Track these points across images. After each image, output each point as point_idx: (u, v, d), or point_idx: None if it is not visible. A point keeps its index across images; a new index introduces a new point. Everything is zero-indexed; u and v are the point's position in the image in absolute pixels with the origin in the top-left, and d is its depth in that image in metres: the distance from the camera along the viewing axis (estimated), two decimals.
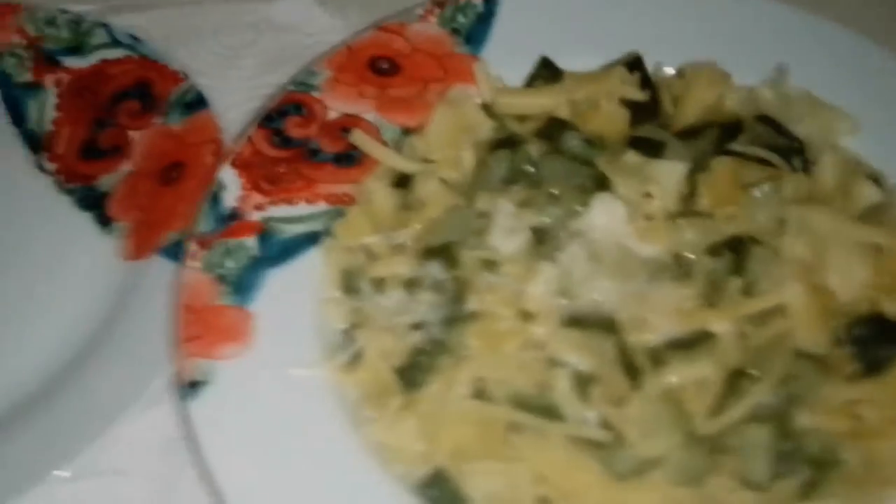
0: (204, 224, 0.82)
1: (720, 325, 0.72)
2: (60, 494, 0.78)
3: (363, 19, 0.99)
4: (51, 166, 0.97)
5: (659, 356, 0.71)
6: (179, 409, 0.77)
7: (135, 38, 1.01)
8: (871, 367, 0.73)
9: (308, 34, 1.05)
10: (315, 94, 0.89)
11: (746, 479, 0.69)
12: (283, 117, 0.88)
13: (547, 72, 0.90)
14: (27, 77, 1.01)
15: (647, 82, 0.88)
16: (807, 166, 0.82)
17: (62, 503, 0.78)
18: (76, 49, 1.01)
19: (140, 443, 0.81)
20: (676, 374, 0.71)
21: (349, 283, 0.80)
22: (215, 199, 0.83)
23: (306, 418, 0.74)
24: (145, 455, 0.81)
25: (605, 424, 0.70)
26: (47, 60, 1.01)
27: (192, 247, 0.81)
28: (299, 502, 0.70)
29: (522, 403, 0.71)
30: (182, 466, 0.79)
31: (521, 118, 0.88)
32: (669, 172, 0.78)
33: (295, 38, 1.04)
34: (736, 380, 0.71)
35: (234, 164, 0.85)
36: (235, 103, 1.01)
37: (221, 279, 0.79)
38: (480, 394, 0.73)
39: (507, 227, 0.77)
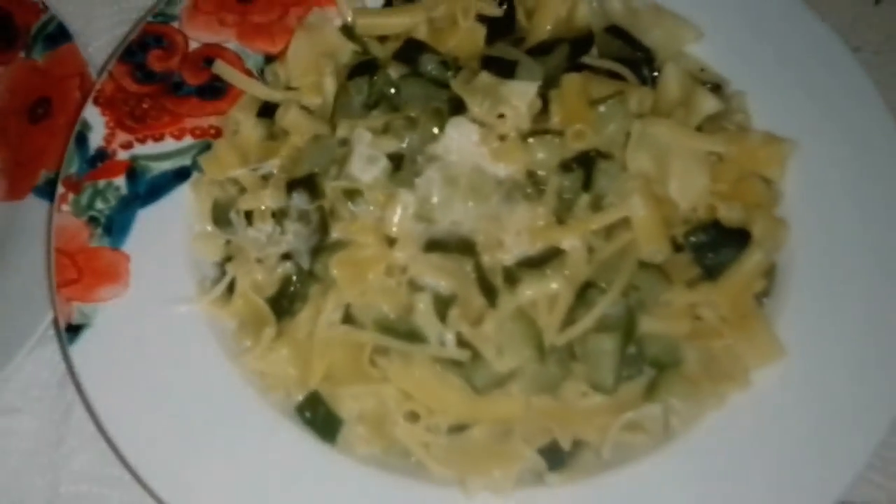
0: (72, 166, 0.83)
1: (569, 241, 0.77)
2: None
3: None
4: None
5: (513, 275, 0.76)
6: (62, 350, 0.81)
7: None
8: (710, 272, 0.78)
9: None
10: (175, 24, 0.90)
11: (596, 384, 0.75)
12: (144, 50, 0.88)
13: None
14: None
15: None
16: (654, 76, 0.86)
17: None
18: None
19: (33, 381, 0.84)
20: (529, 291, 0.75)
21: (220, 217, 0.83)
22: (81, 139, 0.84)
23: (186, 353, 0.78)
24: (38, 392, 0.84)
25: (464, 343, 0.74)
26: None
27: (62, 190, 0.82)
28: (183, 433, 0.75)
29: (387, 327, 0.76)
30: (72, 402, 0.83)
31: (382, 39, 0.89)
32: (521, 93, 0.80)
33: None
34: (584, 292, 0.76)
35: (97, 102, 0.86)
36: (100, 30, 1.01)
37: (93, 221, 0.81)
38: (348, 320, 0.77)
39: (367, 156, 0.79)
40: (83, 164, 0.83)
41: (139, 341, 0.78)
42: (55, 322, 0.81)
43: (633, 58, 0.86)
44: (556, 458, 0.74)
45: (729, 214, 0.79)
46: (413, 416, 0.75)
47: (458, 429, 0.75)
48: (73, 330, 0.77)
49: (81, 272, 0.79)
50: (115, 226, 0.81)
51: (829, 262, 0.80)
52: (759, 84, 0.88)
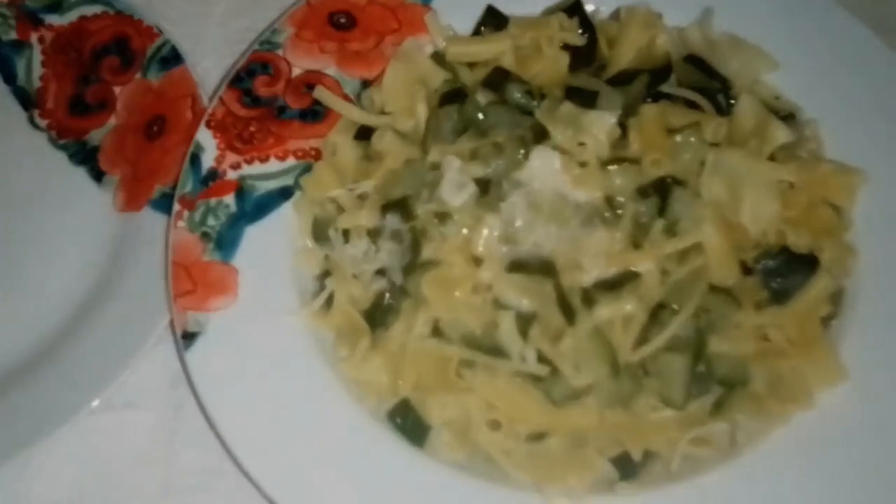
0: (187, 185, 0.91)
1: (644, 264, 0.82)
2: (82, 427, 0.89)
3: None
4: (43, 122, 1.05)
5: (590, 295, 0.81)
6: (178, 353, 0.88)
7: None
8: (778, 295, 0.83)
9: None
10: (279, 52, 0.97)
11: (667, 400, 0.80)
12: (251, 77, 0.95)
13: (493, 19, 0.97)
14: (12, 35, 1.08)
15: (585, 25, 0.95)
16: (730, 104, 0.90)
17: (84, 435, 0.89)
18: (56, 6, 1.08)
19: (148, 379, 0.92)
20: (605, 312, 0.80)
21: (319, 233, 0.90)
22: (195, 160, 0.92)
23: (288, 360, 0.85)
24: (153, 390, 0.92)
25: (544, 359, 0.80)
26: (30, 18, 1.08)
27: (178, 207, 0.90)
28: (284, 432, 0.82)
29: (473, 342, 0.82)
30: (185, 397, 0.91)
31: (471, 65, 0.95)
32: (601, 122, 0.85)
33: None
34: (657, 313, 0.81)
35: (209, 126, 0.93)
36: (209, 51, 1.08)
37: (206, 237, 0.89)
38: (437, 333, 0.83)
39: (456, 182, 0.85)
40: (197, 183, 0.90)
41: (247, 348, 0.85)
42: (169, 325, 0.89)
43: (710, 87, 0.90)
44: (627, 467, 0.79)
45: (798, 241, 0.84)
46: (495, 425, 0.81)
47: (537, 437, 0.81)
48: (188, 337, 0.85)
49: (196, 284, 0.87)
50: (225, 241, 0.88)
51: (894, 288, 0.84)
52: (832, 112, 0.91)
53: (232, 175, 0.91)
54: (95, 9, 1.07)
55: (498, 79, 0.91)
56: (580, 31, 0.95)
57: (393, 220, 0.86)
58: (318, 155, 0.93)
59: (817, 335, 0.82)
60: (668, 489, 0.78)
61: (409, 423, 0.82)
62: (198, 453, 0.88)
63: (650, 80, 0.90)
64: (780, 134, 0.86)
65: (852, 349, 0.82)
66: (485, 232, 0.83)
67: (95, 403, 0.88)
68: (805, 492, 0.77)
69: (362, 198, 0.90)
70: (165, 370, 0.92)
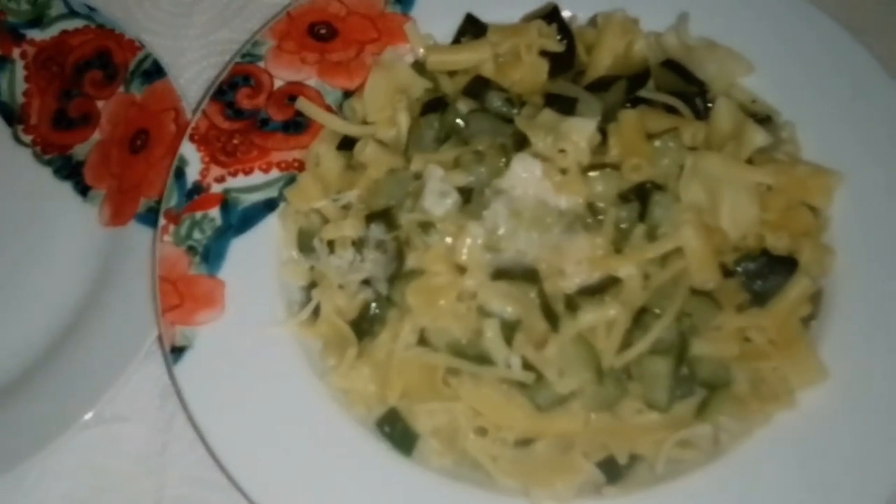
0: (172, 199, 0.91)
1: (626, 269, 0.83)
2: (74, 442, 0.90)
3: None
4: (27, 138, 1.06)
5: (573, 301, 0.82)
6: (167, 367, 0.89)
7: (90, 8, 1.07)
8: (758, 297, 0.84)
9: None
10: (261, 64, 0.97)
11: (651, 403, 0.82)
12: (233, 89, 0.96)
13: (472, 27, 0.98)
14: None
15: (564, 32, 0.96)
16: (708, 108, 0.91)
17: (76, 449, 0.90)
18: (37, 21, 1.09)
19: (139, 392, 0.93)
20: (589, 317, 0.81)
21: (305, 244, 0.91)
22: (179, 174, 0.92)
23: (276, 371, 0.86)
24: (143, 403, 0.93)
25: (529, 366, 0.81)
26: (11, 34, 1.09)
27: (164, 221, 0.91)
28: (273, 442, 0.83)
29: (458, 350, 0.83)
30: (175, 411, 0.92)
31: (452, 74, 0.96)
32: (581, 129, 0.86)
33: None
34: (640, 317, 0.82)
35: (193, 139, 0.94)
36: (191, 63, 1.09)
37: (192, 250, 0.90)
38: (423, 342, 0.84)
39: (438, 191, 0.86)
40: (181, 197, 0.91)
41: (235, 360, 0.85)
42: (159, 339, 0.90)
43: (688, 91, 0.92)
44: (613, 471, 0.81)
45: (777, 243, 0.85)
46: (482, 431, 0.82)
47: (523, 443, 0.82)
48: (177, 351, 0.85)
49: (183, 298, 0.87)
50: (212, 254, 0.89)
51: (873, 287, 0.85)
52: (808, 114, 0.92)
53: (217, 188, 0.92)
54: (77, 23, 1.07)
55: (478, 87, 0.93)
56: (558, 37, 0.95)
57: (377, 230, 0.87)
58: (301, 166, 0.94)
59: (798, 335, 0.83)
60: (654, 491, 0.79)
61: (397, 431, 0.83)
62: (189, 465, 0.89)
63: (628, 86, 0.91)
64: (758, 137, 0.87)
65: (832, 348, 0.83)
66: (468, 240, 0.84)
67: (87, 418, 0.88)
68: (788, 490, 0.78)
69: (346, 208, 0.91)
70: (155, 383, 0.93)
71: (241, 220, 0.91)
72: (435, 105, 0.92)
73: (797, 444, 0.80)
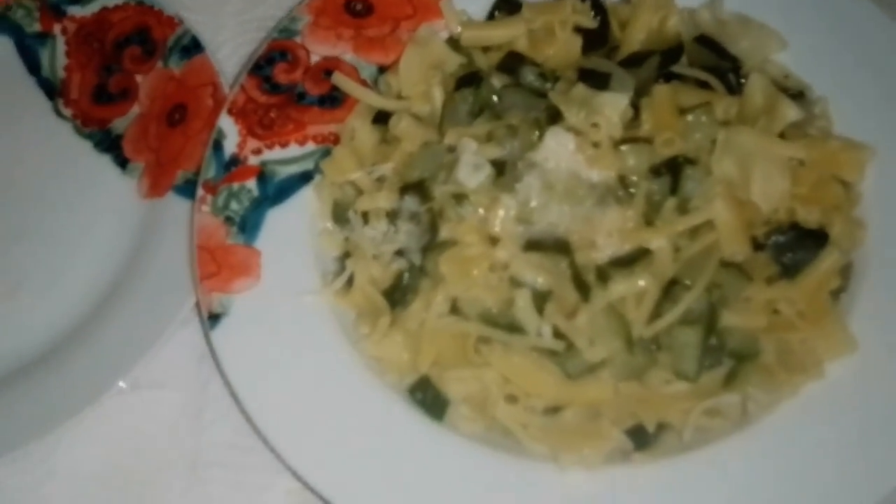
0: (209, 170, 0.93)
1: (657, 242, 0.84)
2: (110, 407, 0.92)
3: None
4: (67, 111, 1.08)
5: (604, 272, 0.83)
6: (204, 333, 0.91)
7: None
8: (788, 270, 0.85)
9: None
10: (297, 39, 0.99)
11: (680, 373, 0.82)
12: (270, 64, 0.98)
13: (506, 4, 0.99)
14: (36, 27, 1.11)
15: (597, 8, 0.97)
16: (741, 83, 0.92)
17: (113, 414, 0.92)
18: None
19: (175, 359, 0.95)
20: (619, 288, 0.82)
21: (339, 216, 0.92)
22: (217, 146, 0.94)
23: (311, 339, 0.87)
24: (179, 369, 0.95)
25: (559, 334, 0.82)
26: (52, 10, 1.11)
27: (202, 192, 0.92)
28: (308, 409, 0.84)
29: (490, 319, 0.84)
30: (211, 376, 0.93)
31: (486, 49, 0.97)
32: (614, 103, 0.87)
33: None
34: (670, 289, 0.83)
35: (231, 112, 0.96)
36: (227, 39, 1.11)
37: (229, 220, 0.91)
38: (455, 311, 0.85)
39: (472, 164, 0.87)
40: (219, 168, 0.93)
41: (270, 328, 0.87)
42: (196, 307, 0.92)
43: (721, 66, 0.92)
44: (641, 438, 0.81)
45: (808, 216, 0.85)
46: (512, 399, 0.83)
47: (553, 410, 0.83)
48: (214, 318, 0.87)
49: (220, 266, 0.89)
50: (248, 224, 0.91)
51: None
52: (840, 89, 0.92)
53: (253, 160, 0.94)
54: (117, 0, 1.09)
55: (512, 62, 0.94)
56: (592, 13, 0.96)
57: (411, 202, 0.88)
58: (336, 139, 0.95)
59: (827, 308, 0.84)
60: (682, 459, 0.80)
61: (428, 397, 0.85)
62: (224, 430, 0.91)
63: (661, 61, 0.92)
64: (790, 112, 0.87)
65: (861, 321, 0.83)
66: (501, 212, 0.85)
67: (123, 384, 0.91)
68: (815, 460, 0.79)
69: (381, 180, 0.92)
70: (192, 351, 0.95)
71: (277, 191, 0.92)
72: (469, 80, 0.93)
73: (825, 414, 0.81)
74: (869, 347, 0.82)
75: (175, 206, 0.98)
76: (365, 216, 0.91)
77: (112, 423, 0.92)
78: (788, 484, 0.79)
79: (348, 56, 0.98)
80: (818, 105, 0.92)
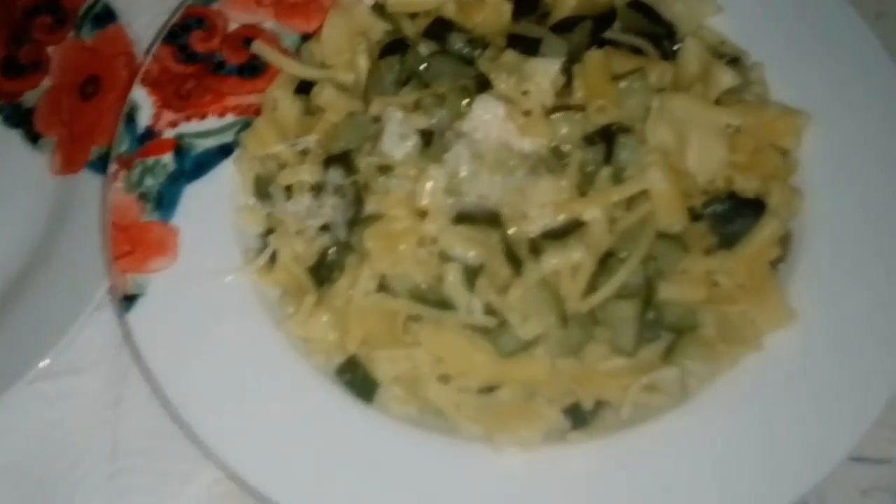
0: (122, 144, 0.88)
1: (591, 213, 0.81)
2: (26, 395, 0.87)
3: None
4: None
5: (537, 245, 0.80)
6: (119, 316, 0.87)
7: None
8: (726, 240, 0.82)
9: None
10: (215, 5, 0.94)
11: (617, 348, 0.80)
12: (186, 32, 0.93)
13: None
14: None
15: None
16: (675, 49, 0.89)
17: (28, 402, 0.88)
18: None
19: (92, 344, 0.90)
20: (553, 261, 0.79)
21: (261, 190, 0.88)
22: (130, 118, 0.89)
23: (233, 319, 0.83)
24: (97, 355, 0.91)
25: (491, 311, 0.79)
26: None
27: (114, 167, 0.88)
28: (231, 393, 0.80)
29: (419, 296, 0.81)
30: (130, 363, 0.89)
31: (412, 16, 0.93)
32: (545, 70, 0.84)
33: None
34: (606, 261, 0.80)
35: (144, 83, 0.91)
36: (144, 7, 1.06)
37: (144, 197, 0.87)
38: (383, 288, 0.82)
39: (398, 134, 0.83)
40: (133, 142, 0.88)
41: (189, 309, 0.83)
42: (111, 290, 0.87)
43: (655, 32, 0.89)
44: (578, 417, 0.79)
45: (745, 185, 0.83)
46: (445, 378, 0.80)
47: (487, 390, 0.80)
48: (129, 299, 0.83)
49: (134, 245, 0.85)
50: (164, 201, 0.87)
51: (841, 229, 0.84)
52: (776, 55, 0.90)
53: (169, 133, 0.89)
54: None
55: (439, 29, 0.90)
56: None
57: (335, 175, 0.85)
58: (257, 111, 0.91)
59: (766, 278, 0.82)
60: (620, 436, 0.78)
61: (357, 379, 0.81)
62: (144, 417, 0.87)
63: (594, 27, 0.89)
64: (726, 78, 0.85)
65: (800, 291, 0.82)
66: (429, 184, 0.81)
67: (38, 369, 0.86)
68: (755, 433, 0.77)
69: (304, 153, 0.89)
70: (110, 336, 0.91)
71: (194, 165, 0.88)
72: (395, 47, 0.89)
73: (764, 387, 0.79)
74: (808, 318, 0.80)
75: (89, 183, 0.93)
76: (288, 190, 0.87)
77: (27, 411, 0.88)
78: (728, 459, 0.77)
79: (269, 23, 0.94)
80: (754, 71, 0.90)
